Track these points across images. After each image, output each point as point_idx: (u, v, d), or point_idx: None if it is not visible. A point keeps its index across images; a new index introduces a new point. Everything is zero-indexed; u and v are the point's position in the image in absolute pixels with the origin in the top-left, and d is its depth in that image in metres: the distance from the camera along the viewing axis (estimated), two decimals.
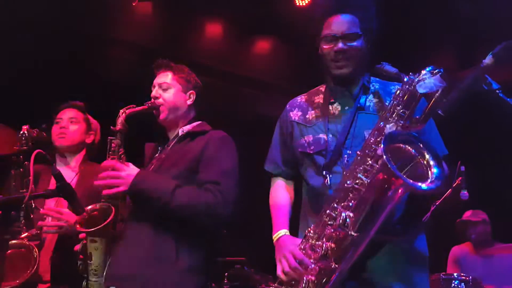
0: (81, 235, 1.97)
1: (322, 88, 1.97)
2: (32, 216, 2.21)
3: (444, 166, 1.70)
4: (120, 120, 2.06)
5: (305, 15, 4.85)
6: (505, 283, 3.82)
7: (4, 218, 1.53)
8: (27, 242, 2.10)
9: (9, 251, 2.01)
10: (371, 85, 1.87)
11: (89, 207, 1.97)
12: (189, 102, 2.24)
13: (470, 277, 3.46)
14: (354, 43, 1.80)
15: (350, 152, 1.74)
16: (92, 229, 1.89)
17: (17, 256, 2.04)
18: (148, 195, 1.93)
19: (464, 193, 3.46)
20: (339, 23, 1.81)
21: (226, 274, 3.86)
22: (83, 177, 2.43)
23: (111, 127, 2.08)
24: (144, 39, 4.84)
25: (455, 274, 3.53)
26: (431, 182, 1.48)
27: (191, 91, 2.25)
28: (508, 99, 1.37)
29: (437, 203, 3.59)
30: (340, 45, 1.79)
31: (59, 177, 1.71)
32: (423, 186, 1.47)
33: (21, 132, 2.23)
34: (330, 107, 1.88)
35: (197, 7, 4.84)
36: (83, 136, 2.52)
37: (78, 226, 1.92)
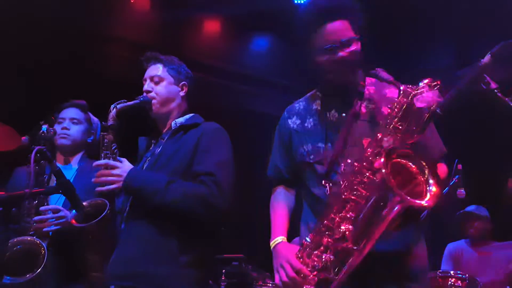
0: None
1: (319, 93, 1.94)
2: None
3: (443, 169, 1.70)
4: (111, 115, 2.05)
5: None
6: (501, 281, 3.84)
7: (5, 215, 1.53)
8: (36, 240, 2.08)
9: (18, 247, 2.01)
10: (365, 90, 1.84)
11: (84, 203, 1.94)
12: (181, 93, 2.21)
13: (467, 275, 3.47)
14: (353, 48, 1.75)
15: (349, 161, 1.70)
16: (87, 224, 1.89)
17: (24, 252, 2.03)
18: (142, 192, 1.93)
19: (461, 191, 3.48)
20: (333, 32, 1.74)
21: (224, 271, 3.87)
22: (81, 173, 2.44)
23: (103, 122, 2.07)
24: (142, 36, 4.83)
25: (451, 272, 3.54)
26: (429, 199, 1.49)
27: (183, 82, 2.22)
28: (506, 98, 1.38)
29: None
30: (340, 54, 1.73)
31: (59, 174, 1.72)
32: (423, 202, 1.48)
33: (40, 131, 2.23)
34: (328, 114, 1.85)
35: (195, 4, 4.84)
36: (84, 136, 2.53)
37: (73, 221, 1.92)
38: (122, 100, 2.08)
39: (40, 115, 2.56)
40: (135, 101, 2.10)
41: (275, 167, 1.99)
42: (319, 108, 1.89)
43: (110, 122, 2.04)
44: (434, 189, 1.50)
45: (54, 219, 2.18)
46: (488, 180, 4.26)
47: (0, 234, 1.61)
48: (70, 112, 2.52)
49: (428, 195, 1.49)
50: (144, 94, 2.15)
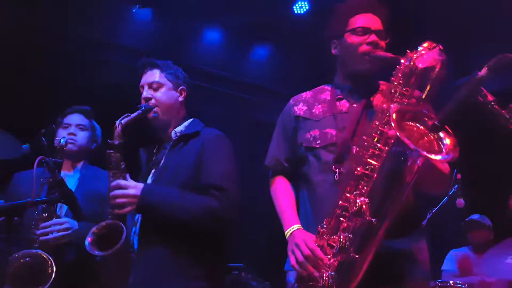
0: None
1: (327, 86, 1.94)
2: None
3: (446, 166, 1.67)
4: (117, 132, 2.00)
5: (303, 22, 4.90)
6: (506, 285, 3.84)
7: (8, 224, 1.54)
8: (45, 255, 2.04)
9: (26, 259, 1.99)
10: (379, 85, 1.87)
11: (98, 225, 1.93)
12: (180, 99, 2.16)
13: (466, 284, 3.47)
14: (383, 42, 1.81)
15: (358, 149, 1.66)
16: (108, 252, 1.86)
17: (31, 266, 2.00)
18: (157, 210, 1.91)
19: (460, 201, 3.49)
20: (373, 19, 1.83)
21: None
22: (83, 180, 2.44)
23: (108, 140, 2.02)
24: (144, 45, 4.86)
25: (451, 282, 3.54)
26: (446, 153, 1.44)
27: (181, 87, 2.17)
28: (503, 111, 1.39)
29: (433, 211, 3.62)
30: (374, 38, 1.79)
31: (61, 183, 1.73)
32: (439, 157, 1.43)
33: (57, 144, 2.22)
34: (338, 104, 1.85)
35: (196, 14, 4.87)
36: (89, 142, 2.53)
37: (91, 247, 1.88)
38: (125, 115, 2.04)
39: (41, 122, 2.58)
40: (138, 112, 2.04)
41: (273, 156, 1.97)
42: (328, 98, 1.89)
43: (117, 140, 2.00)
44: (448, 141, 1.46)
45: (58, 231, 2.16)
46: (487, 190, 4.27)
47: (1, 244, 1.61)
48: (76, 118, 2.52)
49: (444, 150, 1.44)
50: (144, 102, 2.10)
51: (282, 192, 1.93)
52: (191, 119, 2.19)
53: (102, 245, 1.90)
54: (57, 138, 2.33)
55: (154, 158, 2.17)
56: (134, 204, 1.91)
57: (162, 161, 2.09)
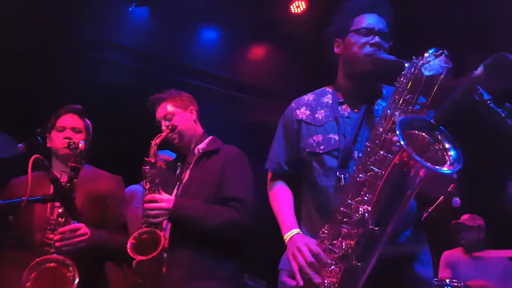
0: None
1: (329, 88, 1.92)
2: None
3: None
4: (153, 151, 2.28)
5: (300, 22, 4.91)
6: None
7: (2, 223, 1.53)
8: (68, 261, 2.03)
9: (49, 264, 2.00)
10: (382, 90, 1.86)
11: (139, 231, 2.17)
12: (193, 118, 2.42)
13: (463, 283, 3.48)
14: (386, 44, 1.78)
15: (361, 155, 1.66)
16: (149, 256, 2.09)
17: (55, 273, 1.99)
18: (186, 221, 2.18)
19: (456, 200, 3.50)
20: (378, 20, 1.80)
21: None
22: (81, 182, 2.40)
23: (145, 158, 2.28)
24: (140, 44, 4.85)
25: (447, 280, 3.54)
26: (450, 165, 1.44)
27: (190, 107, 2.43)
28: (499, 109, 1.39)
29: (429, 210, 3.62)
30: (378, 39, 1.75)
31: (57, 182, 1.72)
32: (444, 169, 1.42)
33: (79, 149, 2.19)
34: (340, 108, 1.84)
35: (193, 13, 4.87)
36: (86, 144, 2.49)
37: (130, 252, 2.11)
38: (158, 135, 2.31)
39: (37, 122, 2.57)
40: (166, 131, 2.32)
41: (274, 159, 1.96)
42: (330, 102, 1.87)
43: (154, 159, 2.27)
44: (452, 153, 1.46)
45: (74, 237, 2.13)
46: (483, 189, 4.28)
47: None
48: (70, 120, 2.45)
49: (449, 161, 1.44)
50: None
51: (281, 195, 1.93)
52: (211, 137, 2.44)
53: (140, 249, 2.12)
54: (70, 141, 2.27)
55: (178, 171, 2.41)
56: (166, 215, 2.18)
57: (187, 175, 2.33)
